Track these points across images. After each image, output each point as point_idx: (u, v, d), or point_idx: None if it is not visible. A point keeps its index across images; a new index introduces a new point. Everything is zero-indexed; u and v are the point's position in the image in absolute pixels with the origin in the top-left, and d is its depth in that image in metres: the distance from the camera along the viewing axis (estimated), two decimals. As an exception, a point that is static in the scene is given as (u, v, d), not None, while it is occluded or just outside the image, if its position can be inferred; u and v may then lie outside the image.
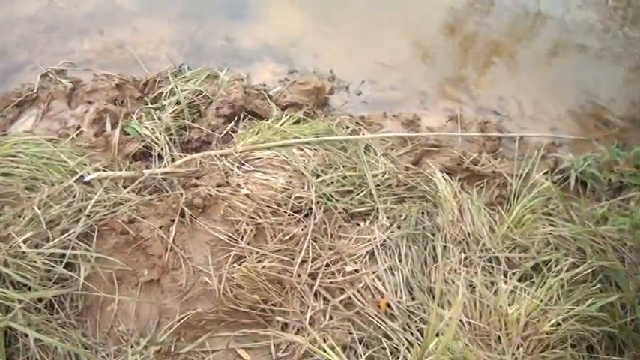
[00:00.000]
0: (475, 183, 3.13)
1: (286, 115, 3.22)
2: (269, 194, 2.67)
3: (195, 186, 2.71)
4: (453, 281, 2.51)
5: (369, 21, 4.18)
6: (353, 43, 4.02)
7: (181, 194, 2.65)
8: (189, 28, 3.96)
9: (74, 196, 2.55)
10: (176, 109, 3.17)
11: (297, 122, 3.18)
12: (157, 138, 2.98)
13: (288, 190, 2.72)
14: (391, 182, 2.94)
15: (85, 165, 2.76)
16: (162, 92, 3.32)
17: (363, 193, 2.86)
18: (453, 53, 4.19)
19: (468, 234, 2.73)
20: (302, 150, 2.92)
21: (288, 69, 3.78)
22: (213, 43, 3.89)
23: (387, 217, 2.78)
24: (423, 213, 2.83)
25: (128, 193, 2.65)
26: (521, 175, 3.10)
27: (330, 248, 2.61)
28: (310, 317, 2.39)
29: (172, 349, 2.29)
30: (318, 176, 2.82)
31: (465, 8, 4.57)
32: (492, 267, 2.62)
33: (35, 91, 3.38)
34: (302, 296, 2.45)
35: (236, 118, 3.22)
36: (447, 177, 3.01)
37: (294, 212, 2.67)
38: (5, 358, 2.14)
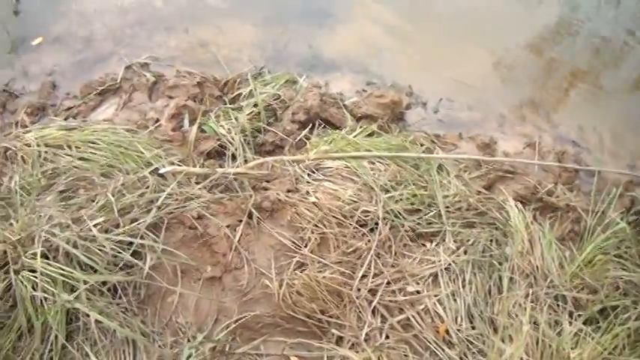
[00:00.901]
0: (548, 214, 3.01)
1: (360, 127, 3.19)
2: (336, 205, 2.66)
3: (265, 189, 2.74)
4: (517, 315, 2.43)
5: (450, 38, 4.11)
6: (433, 59, 3.96)
7: (251, 196, 2.67)
8: (273, 32, 4.00)
9: (147, 187, 2.62)
10: (253, 111, 3.19)
11: (370, 135, 3.15)
12: (232, 138, 3.02)
13: (356, 202, 2.70)
14: (461, 205, 2.87)
15: (161, 157, 2.83)
16: (240, 93, 3.36)
17: (431, 214, 2.81)
18: (535, 77, 4.07)
19: (537, 268, 2.63)
20: (373, 163, 2.90)
21: (366, 80, 3.75)
22: (294, 48, 3.91)
23: (454, 241, 2.72)
24: (491, 240, 2.75)
25: (200, 189, 2.70)
26: (597, 212, 2.98)
27: (392, 266, 2.58)
28: (366, 334, 2.37)
29: (227, 349, 2.31)
30: (387, 191, 2.79)
31: (550, 31, 4.43)
32: (558, 305, 2.53)
33: (118, 81, 3.50)
34: (360, 311, 2.43)
35: (310, 125, 3.22)
36: (519, 206, 2.91)
37: (360, 225, 2.65)
38: (65, 335, 2.21)
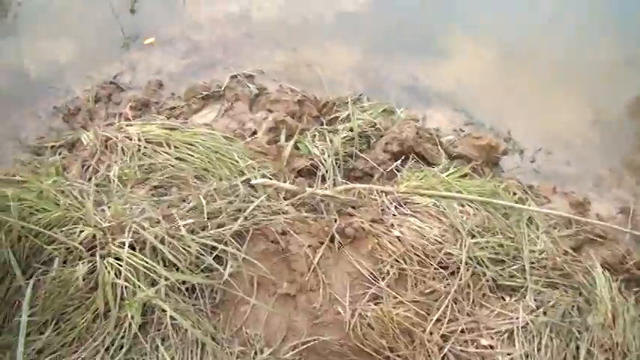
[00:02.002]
0: (634, 288, 2.85)
1: (454, 167, 3.16)
2: (420, 242, 2.62)
3: (350, 215, 2.73)
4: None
5: (553, 88, 4.00)
6: (534, 107, 3.87)
7: (335, 220, 2.68)
8: (378, 60, 4.03)
9: (237, 195, 2.67)
10: (347, 136, 3.21)
11: (463, 176, 3.11)
12: (324, 159, 3.04)
13: (440, 243, 2.65)
14: (547, 263, 2.75)
15: (254, 169, 2.88)
16: (338, 116, 3.40)
17: (515, 267, 2.71)
18: (636, 139, 3.89)
19: (616, 344, 2.49)
20: (463, 206, 2.84)
21: (465, 120, 3.72)
22: (396, 78, 3.93)
23: (535, 299, 2.61)
24: (573, 306, 2.62)
25: (287, 205, 2.72)
26: (684, 294, 2.79)
27: (468, 314, 2.51)
28: (433, 380, 2.31)
29: (292, 368, 2.31)
30: (473, 236, 2.72)
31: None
32: (632, 389, 2.39)
33: (222, 89, 3.61)
34: (429, 355, 2.36)
35: (403, 157, 3.20)
36: (607, 274, 2.77)
37: (441, 267, 2.60)
38: (138, 325, 2.27)
